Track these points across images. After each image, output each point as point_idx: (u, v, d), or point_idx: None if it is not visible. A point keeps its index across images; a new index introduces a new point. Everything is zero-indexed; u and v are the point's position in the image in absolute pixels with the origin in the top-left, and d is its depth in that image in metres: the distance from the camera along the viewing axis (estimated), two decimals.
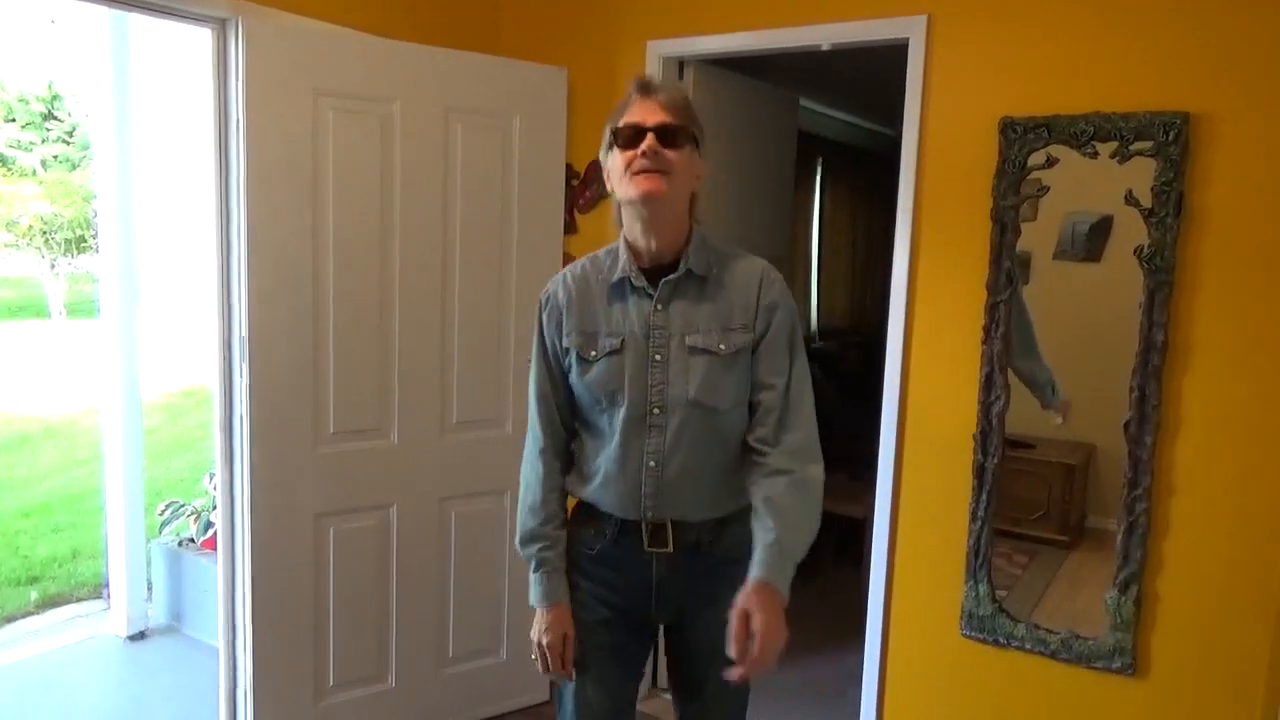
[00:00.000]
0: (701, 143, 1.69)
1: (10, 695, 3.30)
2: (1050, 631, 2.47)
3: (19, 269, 16.21)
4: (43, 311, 14.64)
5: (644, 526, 1.72)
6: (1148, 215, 2.26)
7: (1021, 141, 2.39)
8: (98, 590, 4.31)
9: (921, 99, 2.54)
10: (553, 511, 1.79)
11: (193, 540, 3.82)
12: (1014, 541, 2.60)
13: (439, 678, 2.98)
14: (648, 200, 1.61)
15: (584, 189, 3.14)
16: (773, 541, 1.58)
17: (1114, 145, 2.29)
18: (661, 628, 1.88)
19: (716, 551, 1.74)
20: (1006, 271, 2.45)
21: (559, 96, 3.03)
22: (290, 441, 2.62)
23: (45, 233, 14.93)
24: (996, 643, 2.53)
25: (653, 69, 2.97)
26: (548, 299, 1.79)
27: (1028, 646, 2.49)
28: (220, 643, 2.70)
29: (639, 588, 1.77)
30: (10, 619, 4.08)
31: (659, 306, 1.68)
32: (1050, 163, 2.38)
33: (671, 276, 1.67)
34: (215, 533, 2.79)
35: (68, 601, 4.27)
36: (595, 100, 3.10)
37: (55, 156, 17.23)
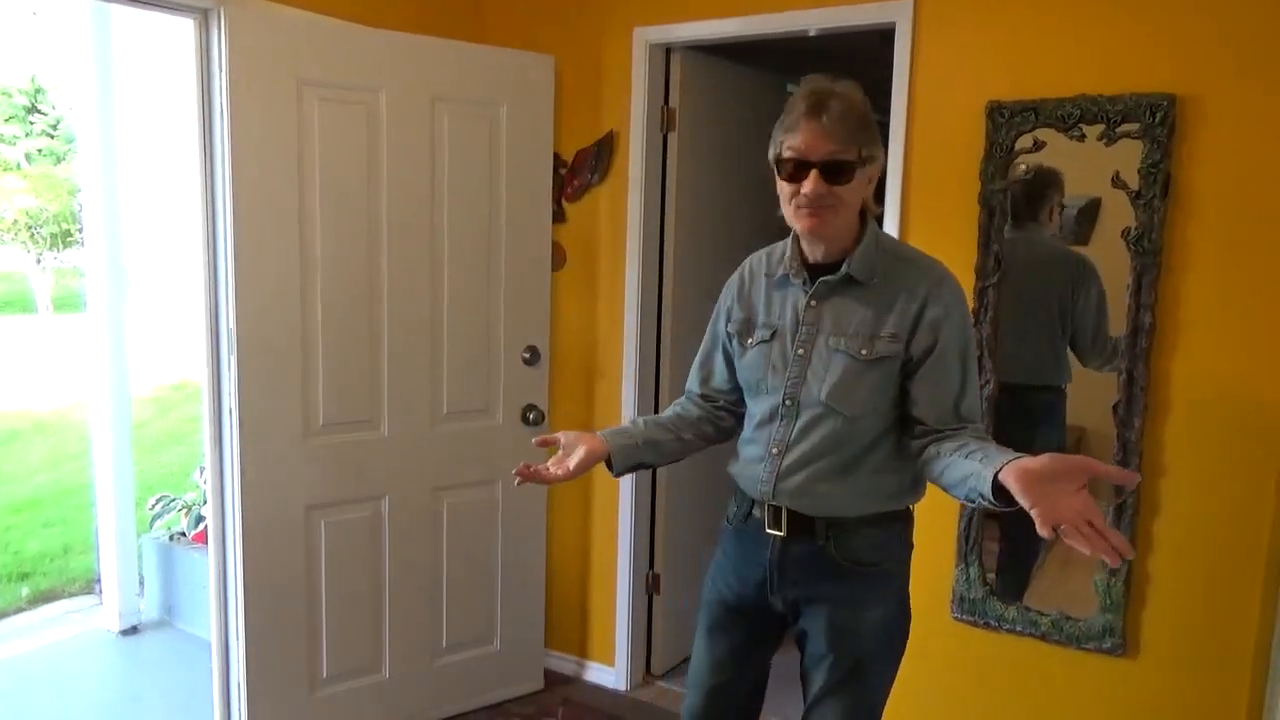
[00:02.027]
0: (875, 145, 1.63)
1: (3, 691, 3.29)
2: (1041, 613, 2.48)
3: (5, 264, 16.11)
4: (29, 306, 14.55)
5: (766, 508, 1.77)
6: (1135, 197, 2.27)
7: (1009, 125, 2.39)
8: (89, 585, 4.29)
9: (909, 83, 2.53)
10: (666, 413, 1.96)
11: (184, 534, 3.81)
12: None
13: (433, 668, 2.99)
14: (812, 234, 1.66)
15: (572, 178, 3.13)
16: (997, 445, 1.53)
17: (1101, 128, 2.29)
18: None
19: (835, 551, 1.73)
20: (995, 255, 2.45)
21: (546, 84, 3.01)
22: (280, 434, 2.61)
23: (31, 227, 14.82)
24: (988, 625, 2.55)
25: (639, 56, 2.96)
26: (729, 282, 1.89)
27: (1019, 629, 2.51)
28: (213, 636, 2.70)
29: (758, 568, 1.80)
30: (2, 615, 4.06)
31: (812, 303, 1.71)
32: (1038, 146, 2.38)
33: (830, 277, 1.69)
34: (206, 526, 2.78)
35: (59, 597, 4.26)
36: (583, 88, 3.08)
37: (40, 150, 17.09)
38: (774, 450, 1.74)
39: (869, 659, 1.77)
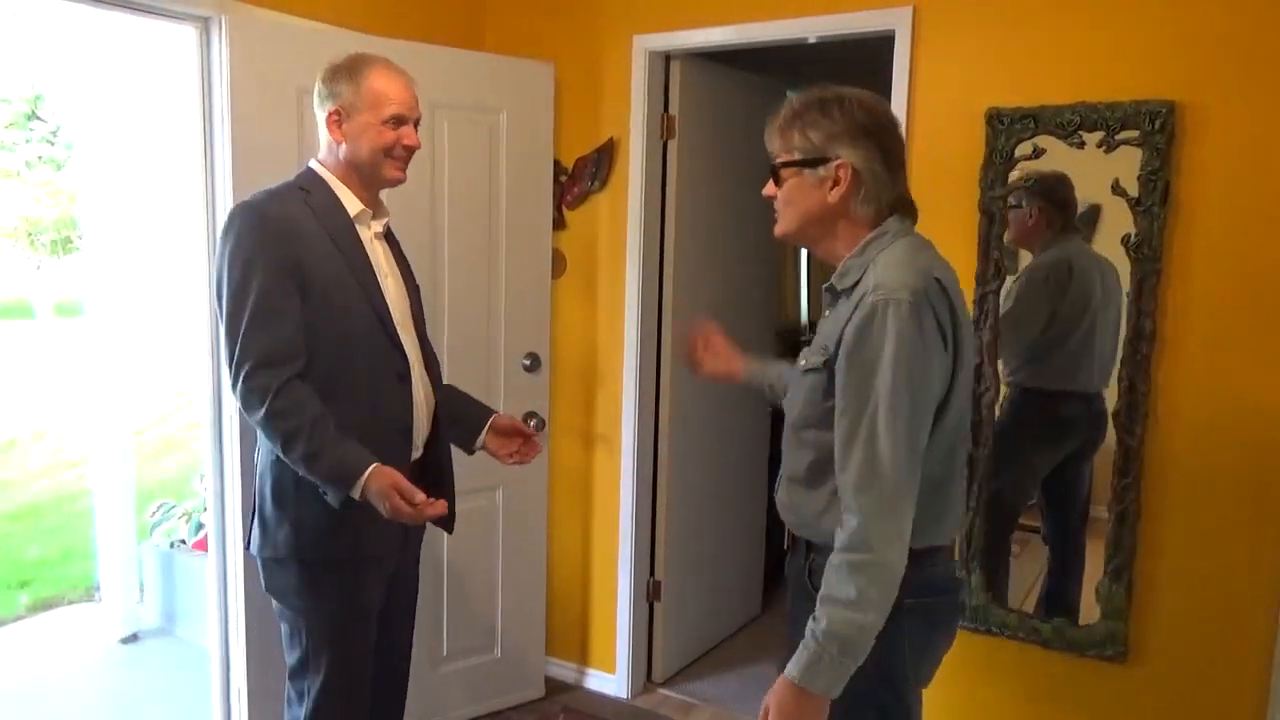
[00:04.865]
0: (811, 152, 1.50)
1: (3, 699, 3.29)
2: (1043, 620, 2.48)
3: (5, 270, 16.10)
4: (29, 313, 14.55)
5: None
6: (1135, 204, 2.27)
7: (1008, 132, 2.40)
8: (89, 593, 4.29)
9: (908, 91, 2.54)
10: None
11: (184, 541, 3.80)
12: None
13: (434, 676, 2.98)
14: (776, 238, 1.66)
15: (572, 185, 3.13)
16: (809, 623, 1.43)
17: (1100, 135, 2.29)
18: None
19: (810, 575, 1.58)
20: (995, 262, 2.45)
21: (546, 92, 3.01)
22: None
23: (31, 234, 14.83)
24: (989, 632, 2.54)
25: (639, 64, 2.97)
26: None
27: (1020, 635, 2.50)
28: (213, 644, 2.69)
29: None
30: (1, 623, 4.06)
31: (826, 313, 1.62)
32: (1037, 153, 2.38)
33: (826, 285, 1.60)
34: (207, 534, 2.78)
35: (59, 604, 4.25)
36: (582, 95, 3.09)
37: (40, 157, 17.09)
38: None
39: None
